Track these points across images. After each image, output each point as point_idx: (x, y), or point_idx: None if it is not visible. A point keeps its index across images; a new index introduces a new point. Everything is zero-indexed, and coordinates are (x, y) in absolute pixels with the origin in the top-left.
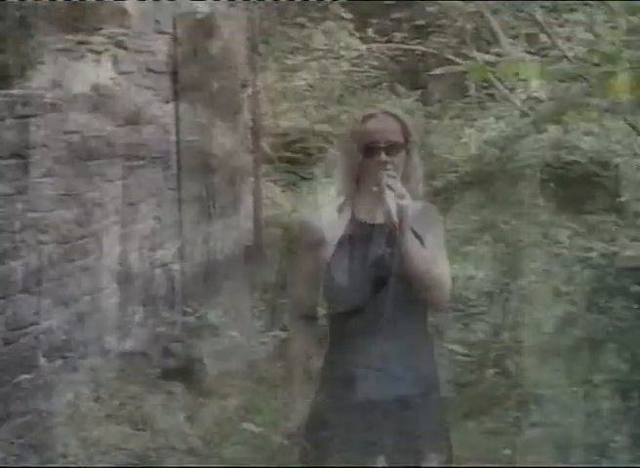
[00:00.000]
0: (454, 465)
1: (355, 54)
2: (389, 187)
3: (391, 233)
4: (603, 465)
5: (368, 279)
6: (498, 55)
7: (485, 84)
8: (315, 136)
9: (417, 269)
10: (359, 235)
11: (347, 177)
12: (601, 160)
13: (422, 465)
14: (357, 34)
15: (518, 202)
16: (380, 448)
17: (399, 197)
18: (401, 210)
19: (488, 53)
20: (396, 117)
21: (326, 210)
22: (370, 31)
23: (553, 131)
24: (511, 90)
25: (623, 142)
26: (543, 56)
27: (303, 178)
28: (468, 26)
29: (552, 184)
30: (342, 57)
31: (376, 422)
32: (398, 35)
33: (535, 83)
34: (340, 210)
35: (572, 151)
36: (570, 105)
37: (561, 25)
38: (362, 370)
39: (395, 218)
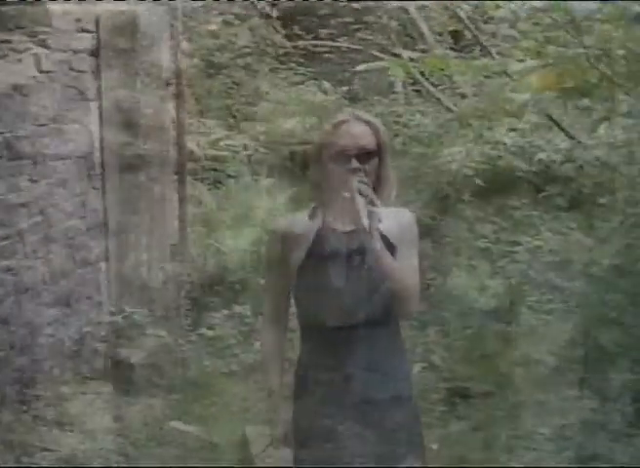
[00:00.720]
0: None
1: (282, 51)
2: (360, 193)
3: (361, 241)
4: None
5: (337, 287)
6: (423, 51)
7: (411, 80)
8: (241, 133)
9: (385, 277)
10: (329, 243)
11: (319, 184)
12: (525, 155)
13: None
14: (283, 31)
15: (444, 197)
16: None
17: (370, 204)
18: (371, 217)
19: (414, 50)
20: (368, 123)
21: (297, 216)
22: (296, 28)
23: (477, 126)
24: (436, 86)
25: (546, 137)
26: (468, 52)
27: (230, 176)
28: (393, 23)
29: (477, 179)
30: (269, 54)
31: (353, 426)
32: (324, 32)
33: (459, 79)
34: (312, 216)
35: (496, 146)
36: (493, 101)
37: (486, 22)
38: (336, 376)
39: (366, 225)
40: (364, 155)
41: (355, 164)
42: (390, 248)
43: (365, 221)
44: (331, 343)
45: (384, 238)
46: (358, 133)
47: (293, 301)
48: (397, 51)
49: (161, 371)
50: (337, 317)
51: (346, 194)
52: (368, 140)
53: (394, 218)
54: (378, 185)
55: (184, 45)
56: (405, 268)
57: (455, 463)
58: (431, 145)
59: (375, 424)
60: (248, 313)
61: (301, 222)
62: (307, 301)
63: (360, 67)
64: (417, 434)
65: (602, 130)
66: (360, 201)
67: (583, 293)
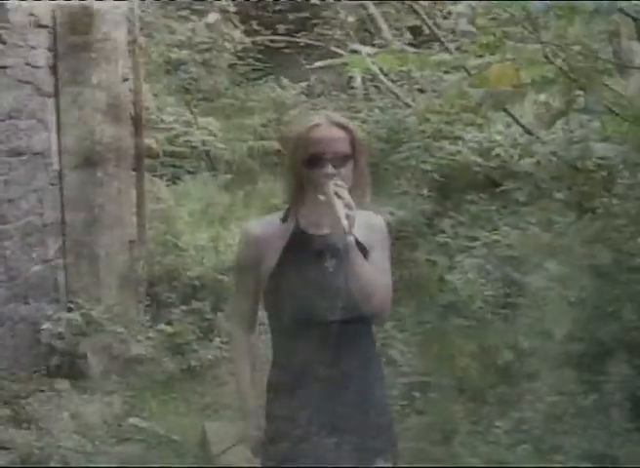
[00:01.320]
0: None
1: (240, 47)
2: (338, 196)
3: (335, 245)
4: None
5: (311, 291)
6: (381, 47)
7: (370, 76)
8: (200, 129)
9: (359, 282)
10: (302, 246)
11: (292, 187)
12: (482, 150)
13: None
14: (242, 27)
15: (402, 193)
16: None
17: (347, 207)
18: (349, 219)
19: (372, 45)
20: (342, 126)
21: (270, 218)
22: (254, 24)
23: (436, 121)
24: (395, 82)
25: (504, 132)
26: (427, 48)
27: (189, 172)
28: (351, 18)
29: (435, 174)
30: (227, 49)
31: (327, 435)
32: (282, 27)
33: (417, 74)
34: (285, 219)
35: (454, 141)
36: (451, 96)
37: (445, 17)
38: (309, 386)
39: (346, 227)
40: (339, 159)
41: (330, 169)
42: (362, 251)
43: (345, 223)
44: (301, 348)
45: (357, 242)
46: (332, 137)
47: (268, 303)
48: (355, 46)
49: (120, 368)
50: (315, 314)
51: (322, 197)
52: (342, 144)
53: (365, 222)
54: (353, 188)
55: (142, 40)
56: (378, 273)
57: (414, 457)
58: (390, 141)
59: (353, 423)
60: (207, 309)
61: (275, 225)
62: (278, 306)
63: (318, 64)
64: (386, 440)
65: (559, 125)
66: (338, 203)
67: (540, 287)
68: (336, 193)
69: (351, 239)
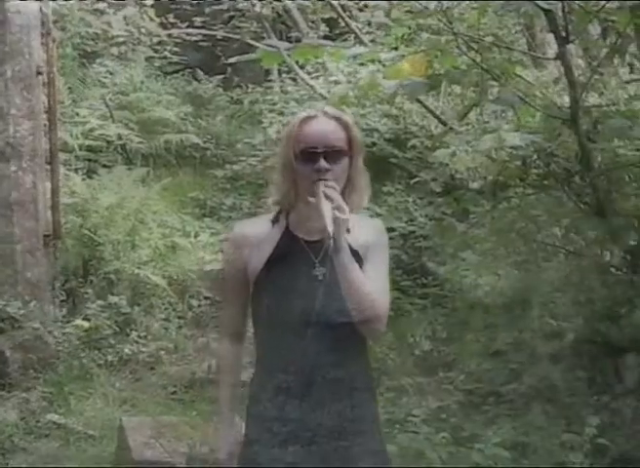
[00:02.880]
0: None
1: (156, 40)
2: (327, 197)
3: (327, 252)
4: None
5: (296, 299)
6: (297, 40)
7: (286, 68)
8: (116, 122)
9: (352, 292)
10: (291, 251)
11: (283, 186)
12: (398, 141)
13: None
14: (158, 20)
15: None
16: None
17: (337, 209)
18: (338, 224)
19: (288, 37)
20: (338, 119)
21: (260, 219)
22: (170, 17)
23: (352, 113)
24: (310, 74)
25: (420, 124)
26: (343, 40)
27: (104, 166)
28: (266, 11)
29: None
30: (143, 43)
31: (309, 458)
32: (198, 20)
33: (332, 66)
34: (275, 221)
35: (370, 133)
36: (365, 87)
37: (361, 10)
38: (292, 394)
39: (332, 232)
40: (333, 154)
41: (323, 164)
42: (356, 257)
43: (330, 228)
44: (287, 361)
45: (351, 250)
46: (326, 130)
47: (253, 309)
48: (271, 42)
49: (36, 364)
50: (298, 324)
51: (312, 199)
52: (337, 139)
53: (363, 228)
54: (350, 191)
55: (56, 33)
56: (374, 283)
57: None
58: None
59: (337, 433)
60: (124, 303)
61: (264, 226)
62: (265, 315)
63: (232, 60)
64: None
65: (473, 115)
66: (326, 206)
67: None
68: (324, 194)
69: (344, 247)
